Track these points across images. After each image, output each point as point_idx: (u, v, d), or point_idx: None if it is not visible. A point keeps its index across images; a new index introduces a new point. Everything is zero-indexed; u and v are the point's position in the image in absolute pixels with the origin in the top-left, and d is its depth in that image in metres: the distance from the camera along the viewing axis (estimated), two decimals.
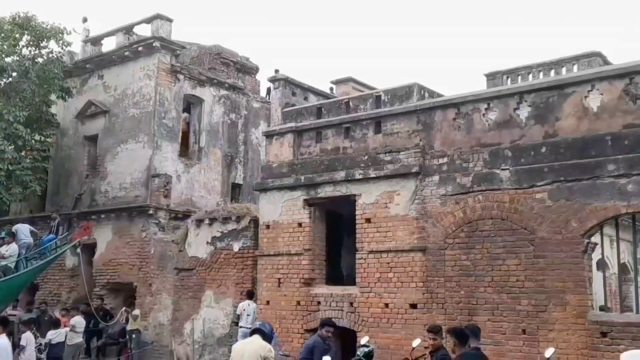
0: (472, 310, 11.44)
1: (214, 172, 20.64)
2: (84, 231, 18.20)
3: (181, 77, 19.77)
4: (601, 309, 13.92)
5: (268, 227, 14.77)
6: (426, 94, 13.58)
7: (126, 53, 19.70)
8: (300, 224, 14.22)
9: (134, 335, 16.68)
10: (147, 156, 18.89)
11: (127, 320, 17.15)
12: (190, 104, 20.67)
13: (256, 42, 57.14)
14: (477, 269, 11.54)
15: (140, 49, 19.38)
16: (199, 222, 16.95)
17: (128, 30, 20.36)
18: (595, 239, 11.14)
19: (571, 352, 10.20)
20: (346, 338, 13.16)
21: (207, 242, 16.65)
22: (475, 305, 11.45)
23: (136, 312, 17.10)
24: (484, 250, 11.53)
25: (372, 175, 13.16)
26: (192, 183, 19.93)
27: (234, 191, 21.53)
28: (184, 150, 20.31)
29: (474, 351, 7.67)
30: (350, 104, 14.47)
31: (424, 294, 12.10)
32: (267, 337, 7.60)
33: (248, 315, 14.44)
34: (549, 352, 9.45)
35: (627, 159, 10.23)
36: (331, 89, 19.80)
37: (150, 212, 18.41)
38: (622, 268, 17.73)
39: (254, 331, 7.82)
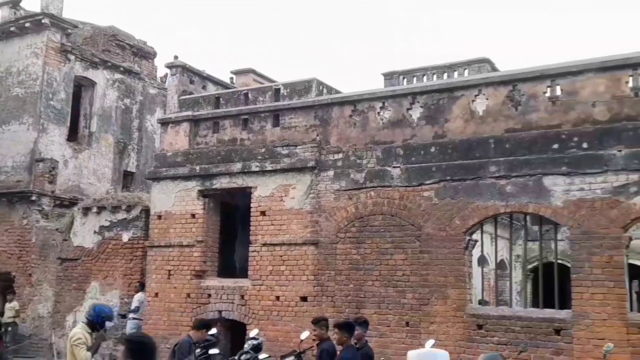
0: (360, 303, 11.74)
1: (104, 159, 19.82)
2: None
3: (72, 57, 18.79)
4: (480, 302, 14.76)
5: (160, 217, 14.39)
6: (325, 90, 13.74)
7: (12, 28, 18.46)
8: (193, 215, 13.96)
9: (9, 328, 15.72)
10: (32, 139, 17.82)
11: (2, 314, 16.13)
12: (82, 87, 19.69)
13: (157, 27, 55.40)
14: (366, 263, 11.85)
15: (27, 25, 18.21)
16: (86, 210, 16.22)
17: (15, 3, 19.06)
18: (477, 236, 11.77)
19: (450, 344, 10.70)
20: (236, 331, 13.10)
21: (95, 232, 15.98)
22: (363, 299, 11.75)
23: (13, 304, 16.12)
24: (373, 245, 11.85)
25: (269, 168, 13.15)
26: (80, 169, 19.02)
27: (126, 179, 20.79)
28: (73, 135, 19.33)
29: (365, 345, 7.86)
30: (250, 95, 14.37)
31: (314, 287, 12.26)
32: (94, 322, 6.97)
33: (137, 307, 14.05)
34: (429, 343, 9.83)
35: (508, 162, 10.86)
36: (231, 79, 19.58)
37: (33, 198, 17.39)
38: (500, 264, 18.89)
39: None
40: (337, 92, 14.02)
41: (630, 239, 10.15)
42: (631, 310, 10.78)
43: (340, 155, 12.58)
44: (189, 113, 14.63)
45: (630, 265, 13.39)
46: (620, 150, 9.91)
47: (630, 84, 10.18)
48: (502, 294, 19.46)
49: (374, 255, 11.82)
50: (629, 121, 9.99)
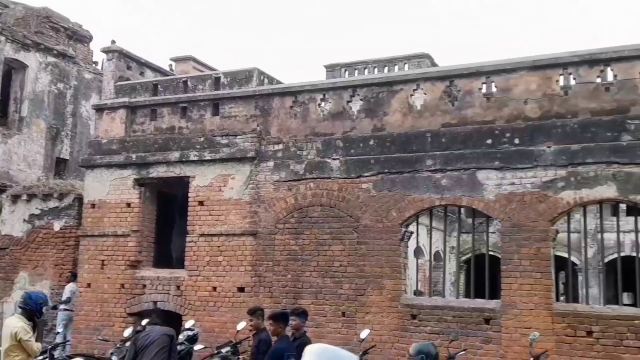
0: (297, 294, 11.79)
1: (36, 145, 19.09)
2: None
3: (2, 38, 17.98)
4: (415, 293, 15.09)
5: (93, 206, 13.99)
6: (266, 80, 13.65)
7: None
8: (128, 204, 13.64)
9: None
10: None
11: None
12: (12, 69, 18.86)
13: (94, 11, 53.65)
14: (304, 254, 11.90)
15: None
16: (15, 198, 15.61)
17: None
18: (413, 228, 12.01)
19: (384, 333, 10.91)
20: (172, 322, 12.89)
21: (24, 220, 15.40)
22: (300, 289, 11.81)
23: None
24: (312, 236, 11.91)
25: (208, 157, 12.99)
26: (9, 155, 18.26)
27: (59, 166, 20.09)
28: (3, 119, 18.52)
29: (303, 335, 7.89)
30: (189, 83, 14.13)
31: (252, 277, 12.23)
32: (33, 310, 6.82)
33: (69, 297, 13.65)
34: (364, 333, 10.03)
35: (444, 156, 11.11)
36: (170, 66, 19.16)
37: None
38: (435, 255, 19.37)
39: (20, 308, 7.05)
40: (279, 82, 13.96)
41: (557, 232, 10.57)
42: (557, 300, 11.25)
43: (281, 146, 12.56)
44: (126, 99, 14.26)
45: (557, 257, 13.95)
46: (549, 147, 10.30)
47: (561, 83, 10.57)
48: (437, 284, 19.98)
49: (312, 246, 11.88)
50: (558, 119, 10.38)
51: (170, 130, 13.80)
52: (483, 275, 10.80)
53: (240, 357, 10.15)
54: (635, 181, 9.66)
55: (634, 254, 10.97)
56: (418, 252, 17.06)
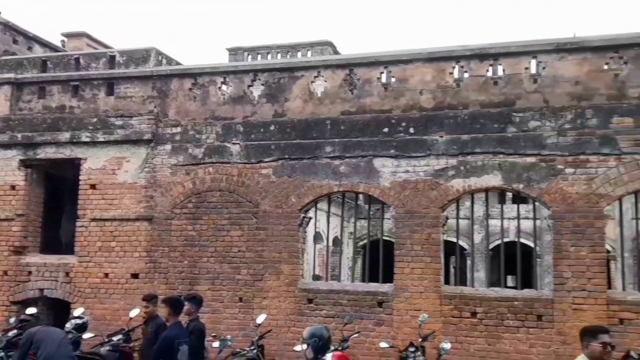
0: (193, 280, 11.62)
1: None
2: None
3: None
4: (314, 278, 15.27)
5: None
6: (164, 61, 13.27)
7: None
8: (13, 187, 12.84)
9: None
10: None
11: None
12: None
13: None
14: (201, 239, 11.73)
15: None
16: None
17: None
18: (312, 213, 12.12)
19: (281, 318, 10.98)
20: (61, 310, 12.33)
21: None
22: (197, 275, 11.64)
23: None
24: (210, 221, 11.75)
25: (101, 139, 12.46)
26: None
27: None
28: None
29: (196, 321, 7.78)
30: (82, 60, 13.49)
31: (147, 263, 11.90)
32: None
33: None
34: (260, 318, 10.05)
35: (342, 143, 11.28)
36: (63, 42, 18.15)
37: None
38: (335, 241, 19.72)
39: None
40: (178, 63, 13.61)
41: (447, 218, 11.04)
42: (448, 283, 11.77)
43: (179, 129, 12.26)
44: (11, 75, 13.37)
45: (449, 243, 14.59)
46: (441, 136, 10.72)
47: (455, 75, 10.99)
48: (335, 269, 20.35)
49: (210, 232, 11.73)
50: (450, 109, 10.81)
51: (60, 110, 13.10)
52: (379, 260, 11.11)
53: (132, 344, 9.88)
54: (518, 171, 10.26)
55: (519, 240, 11.67)
56: (317, 237, 17.28)
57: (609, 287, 12.62)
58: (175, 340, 6.72)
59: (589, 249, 9.76)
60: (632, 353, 8.44)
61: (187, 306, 7.85)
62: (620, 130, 9.87)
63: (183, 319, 7.73)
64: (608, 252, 19.96)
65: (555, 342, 9.69)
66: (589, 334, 4.62)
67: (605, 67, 10.23)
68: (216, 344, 9.68)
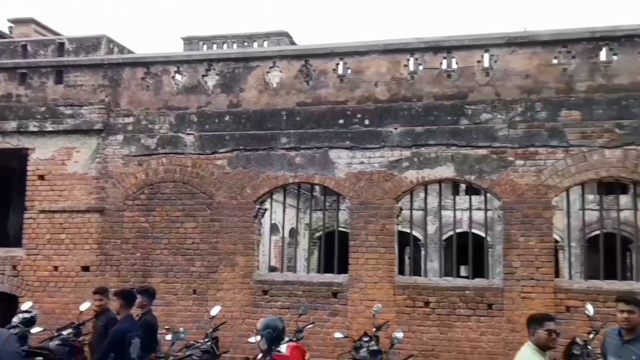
0: (146, 272, 11.45)
1: None
2: None
3: None
4: (270, 269, 15.25)
5: None
6: (115, 49, 12.95)
7: None
8: None
9: None
10: None
11: None
12: None
13: None
14: (155, 231, 11.56)
15: None
16: None
17: None
18: (267, 205, 12.07)
19: (236, 310, 10.93)
20: (8, 305, 11.97)
21: None
22: (150, 267, 11.47)
23: None
24: (163, 213, 11.58)
25: (50, 128, 12.13)
26: None
27: None
28: None
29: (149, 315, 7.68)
30: (29, 47, 13.04)
31: (97, 256, 11.67)
32: None
33: None
34: (214, 310, 9.97)
35: (298, 134, 11.26)
36: (10, 28, 17.54)
37: None
38: (291, 232, 19.72)
39: None
40: (130, 52, 13.31)
41: (401, 209, 11.15)
42: (403, 273, 11.91)
43: (131, 119, 12.02)
44: None
45: (404, 233, 14.76)
46: (396, 128, 10.80)
47: (410, 68, 11.07)
48: (291, 260, 20.36)
49: (163, 224, 11.56)
50: (404, 102, 10.90)
51: (6, 98, 12.66)
52: (334, 251, 11.16)
53: (82, 338, 9.66)
54: (470, 162, 10.44)
55: (471, 231, 11.88)
56: (273, 229, 17.24)
57: (557, 276, 13.02)
58: (127, 333, 6.61)
59: (537, 238, 10.02)
60: (578, 340, 8.71)
61: (139, 299, 7.72)
62: (568, 123, 10.14)
63: (135, 312, 7.61)
64: (556, 242, 20.60)
65: (505, 330, 9.93)
66: (535, 321, 4.74)
67: (555, 61, 10.48)
68: (169, 337, 9.57)
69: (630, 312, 5.10)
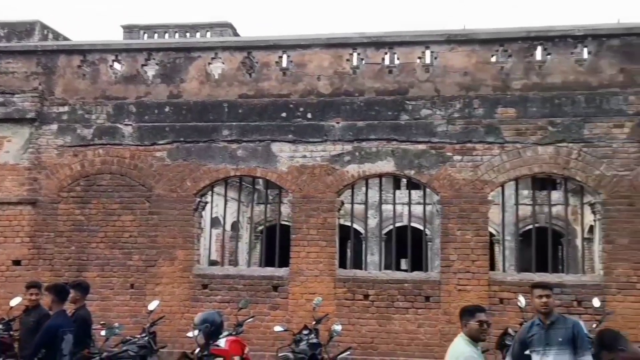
0: (81, 266, 11.14)
1: None
2: None
3: None
4: (211, 263, 15.06)
5: None
6: (50, 35, 12.51)
7: None
8: None
9: None
10: None
11: None
12: None
13: None
14: (90, 224, 11.25)
15: None
16: None
17: None
18: (209, 198, 11.93)
19: (174, 304, 10.78)
20: None
21: None
22: (85, 261, 11.17)
23: None
24: (99, 206, 11.29)
25: None
26: None
27: None
28: None
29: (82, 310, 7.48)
30: None
31: (30, 249, 11.27)
32: None
33: None
34: (152, 304, 9.77)
35: (240, 127, 11.16)
36: None
37: None
38: (234, 226, 19.54)
39: None
40: (66, 39, 12.88)
41: (343, 203, 11.23)
42: (345, 267, 11.97)
43: (66, 108, 11.65)
44: None
45: (346, 227, 14.90)
46: (338, 122, 10.86)
47: (353, 62, 11.13)
48: (234, 254, 20.18)
49: (99, 216, 11.27)
50: (347, 96, 10.96)
51: None
52: (276, 245, 11.12)
53: (12, 333, 9.31)
54: (410, 157, 10.61)
55: (410, 224, 12.10)
56: (215, 222, 17.04)
57: (493, 269, 13.41)
58: (60, 329, 6.41)
59: (473, 232, 10.28)
60: (510, 330, 9.00)
61: (72, 294, 7.50)
62: (504, 120, 10.44)
63: (69, 307, 7.39)
64: (492, 235, 21.22)
65: (441, 321, 10.16)
66: (467, 313, 4.86)
67: (492, 59, 10.75)
68: (104, 332, 9.34)
69: (548, 296, 5.46)
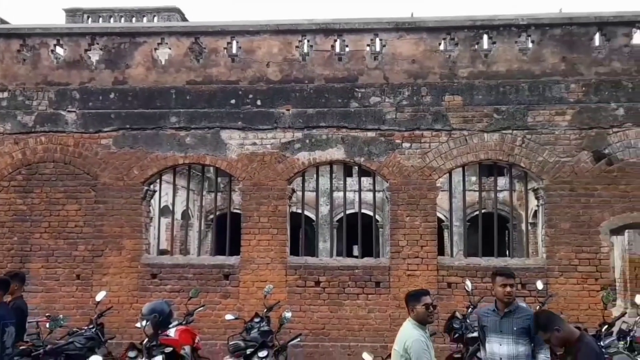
0: (24, 257, 10.80)
1: None
2: None
3: None
4: (161, 252, 14.85)
5: None
6: None
7: None
8: None
9: None
10: None
11: None
12: None
13: None
14: (34, 214, 10.91)
15: None
16: None
17: None
18: (157, 186, 11.71)
19: (123, 294, 10.59)
20: None
21: None
22: (28, 252, 10.84)
23: None
24: (42, 195, 10.95)
25: None
26: None
27: None
28: None
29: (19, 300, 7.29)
30: None
31: None
32: None
33: None
34: (100, 295, 9.55)
35: (188, 113, 10.98)
36: None
37: None
38: (183, 214, 19.30)
39: None
40: (4, 22, 12.37)
41: (293, 190, 11.22)
42: (297, 254, 11.97)
43: (6, 95, 11.22)
44: None
45: (297, 214, 14.90)
46: (288, 110, 10.82)
47: (303, 49, 11.07)
48: (185, 243, 19.95)
49: (43, 206, 10.94)
50: (296, 83, 10.92)
51: None
52: (231, 233, 11.03)
53: None
54: (359, 144, 10.67)
55: (363, 211, 12.18)
56: (165, 211, 16.78)
57: (443, 254, 13.68)
58: (1, 321, 6.23)
59: (422, 218, 10.45)
60: (457, 314, 9.20)
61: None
62: (451, 107, 10.61)
63: (6, 298, 7.18)
64: (442, 221, 21.63)
65: (391, 306, 10.31)
66: (412, 298, 4.95)
67: (440, 47, 10.89)
68: (48, 325, 9.10)
69: (512, 285, 5.33)
